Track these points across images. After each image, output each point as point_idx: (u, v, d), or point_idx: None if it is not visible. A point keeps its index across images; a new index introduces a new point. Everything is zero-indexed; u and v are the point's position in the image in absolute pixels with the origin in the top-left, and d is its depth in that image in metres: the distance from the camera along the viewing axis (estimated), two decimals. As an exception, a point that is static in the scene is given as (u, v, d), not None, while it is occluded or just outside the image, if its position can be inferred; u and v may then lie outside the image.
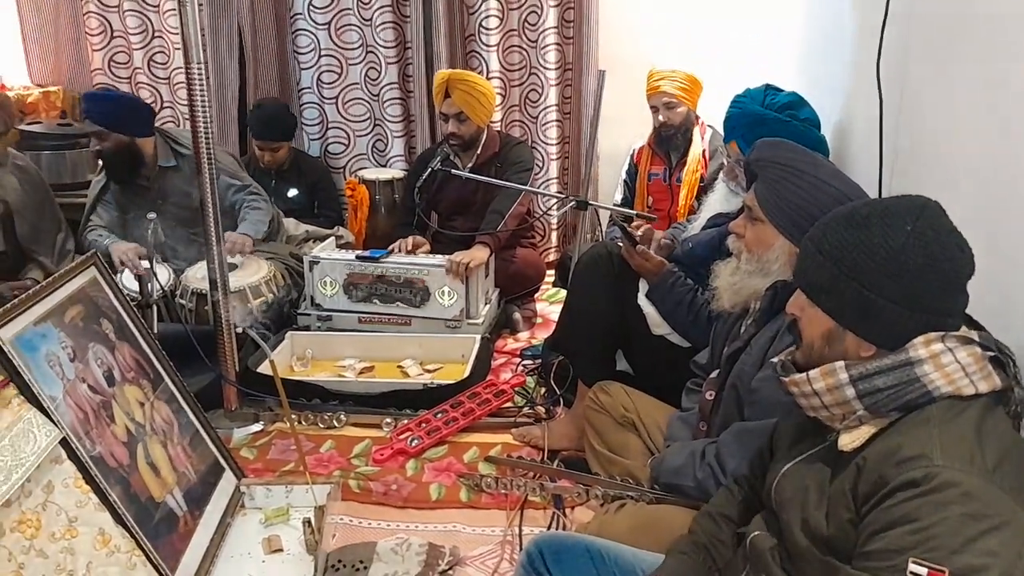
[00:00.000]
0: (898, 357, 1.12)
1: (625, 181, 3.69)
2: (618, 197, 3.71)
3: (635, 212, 3.13)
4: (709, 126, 3.49)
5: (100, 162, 3.27)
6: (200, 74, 2.25)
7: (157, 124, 3.33)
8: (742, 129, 2.36)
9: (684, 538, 1.49)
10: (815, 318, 1.21)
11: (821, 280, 1.19)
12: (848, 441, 1.15)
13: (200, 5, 3.79)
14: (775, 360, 1.33)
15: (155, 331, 2.54)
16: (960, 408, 1.08)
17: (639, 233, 2.39)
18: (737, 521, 1.46)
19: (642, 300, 2.34)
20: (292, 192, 3.89)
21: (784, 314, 1.45)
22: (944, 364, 1.10)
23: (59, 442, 1.55)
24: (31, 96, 3.92)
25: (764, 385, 1.64)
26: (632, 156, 3.66)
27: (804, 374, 1.20)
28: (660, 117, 3.40)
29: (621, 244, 2.32)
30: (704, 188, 3.35)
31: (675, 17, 3.88)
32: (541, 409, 2.65)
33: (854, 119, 2.36)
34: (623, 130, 3.85)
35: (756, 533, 1.33)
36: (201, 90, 2.27)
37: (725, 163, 2.59)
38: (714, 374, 1.89)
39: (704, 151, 3.44)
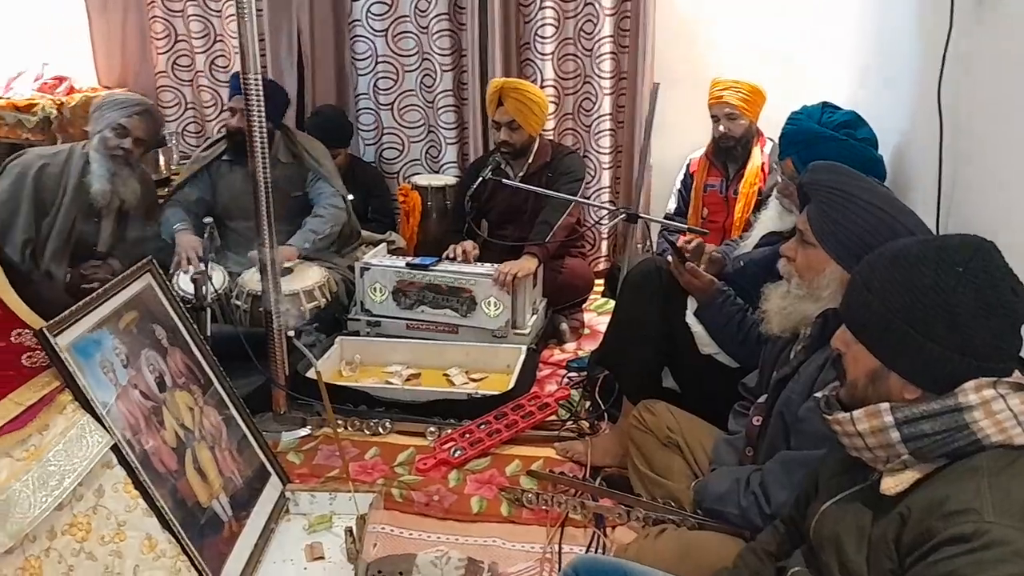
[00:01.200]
0: (946, 402, 1.09)
1: (679, 191, 3.65)
2: (671, 207, 3.67)
3: (686, 226, 3.09)
4: (769, 139, 3.43)
5: (214, 139, 3.40)
6: (257, 84, 2.30)
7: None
8: (797, 147, 2.31)
9: (726, 571, 1.47)
10: (860, 356, 1.18)
11: (867, 318, 1.16)
12: (892, 485, 1.12)
13: (259, 11, 3.91)
14: (819, 395, 1.31)
15: (208, 334, 2.61)
16: (1011, 458, 1.05)
17: (689, 247, 2.36)
18: (778, 555, 1.44)
19: (690, 318, 2.31)
20: (348, 198, 3.93)
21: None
22: (995, 411, 1.06)
23: (110, 447, 1.59)
24: (98, 98, 4.03)
25: (811, 415, 1.60)
26: (688, 166, 3.62)
27: (848, 414, 1.17)
28: (721, 128, 3.35)
29: (670, 259, 2.29)
30: (761, 202, 3.30)
31: (733, 27, 3.82)
32: (585, 423, 2.63)
33: (913, 142, 2.30)
34: (678, 139, 3.80)
35: (796, 569, 1.31)
36: (258, 100, 2.31)
37: (780, 180, 2.55)
38: (762, 399, 1.86)
39: (763, 164, 3.39)
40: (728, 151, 3.41)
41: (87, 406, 1.58)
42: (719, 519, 1.79)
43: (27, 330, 1.69)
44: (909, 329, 1.10)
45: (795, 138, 2.34)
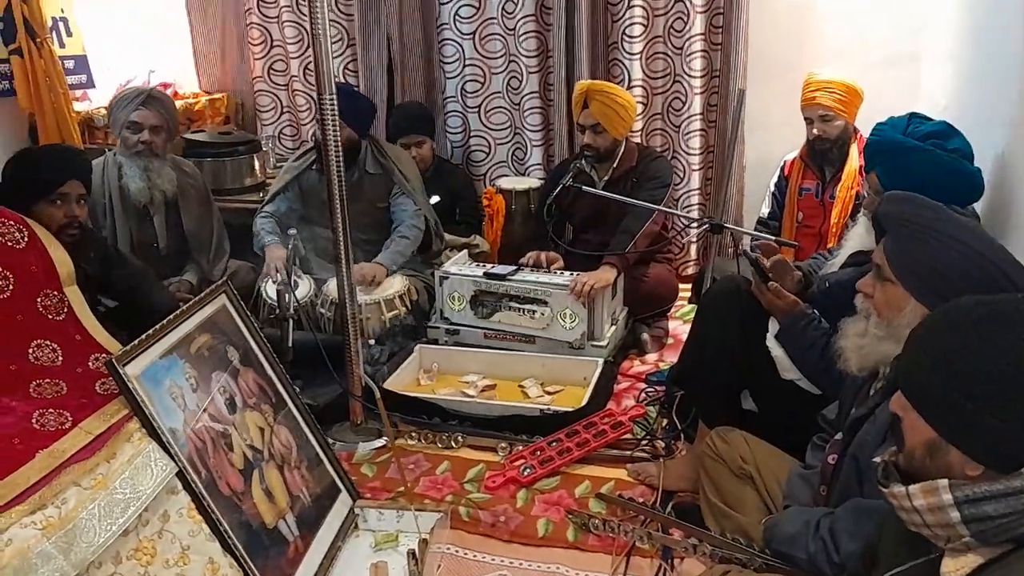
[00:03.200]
0: (1011, 483, 0.99)
1: (774, 194, 3.50)
2: (765, 210, 3.53)
3: (774, 238, 2.95)
4: (867, 138, 3.24)
5: (305, 149, 3.44)
6: (332, 106, 2.32)
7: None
8: (881, 158, 2.17)
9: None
10: (917, 425, 1.09)
11: (923, 385, 1.07)
12: (952, 568, 1.03)
13: (350, 16, 3.96)
14: (877, 459, 1.22)
15: (291, 344, 2.68)
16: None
17: (768, 263, 2.25)
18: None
19: (771, 341, 2.21)
20: (434, 199, 3.95)
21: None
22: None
23: (175, 474, 1.65)
24: (199, 104, 4.20)
25: None
26: (783, 168, 3.47)
27: (904, 489, 1.08)
28: (815, 130, 3.19)
29: (751, 278, 2.20)
30: (859, 206, 3.14)
31: (831, 22, 3.64)
32: (660, 444, 2.56)
33: (1018, 156, 2.11)
34: (773, 138, 3.67)
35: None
36: (333, 120, 2.34)
37: (866, 195, 2.40)
38: (838, 436, 1.76)
39: (861, 167, 3.21)
40: (823, 154, 3.25)
41: (154, 433, 1.63)
42: (787, 561, 1.71)
43: (103, 355, 1.77)
44: (967, 403, 1.01)
45: (879, 148, 2.20)
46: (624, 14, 3.69)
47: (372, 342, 3.03)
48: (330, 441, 2.38)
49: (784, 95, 3.54)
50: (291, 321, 2.76)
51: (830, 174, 3.29)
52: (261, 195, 3.71)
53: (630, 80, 3.76)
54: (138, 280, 2.51)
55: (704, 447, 2.14)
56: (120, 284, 2.42)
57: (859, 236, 2.33)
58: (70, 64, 3.90)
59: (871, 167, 2.20)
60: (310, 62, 4.21)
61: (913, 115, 2.18)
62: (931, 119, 2.16)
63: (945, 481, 1.04)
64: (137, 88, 3.23)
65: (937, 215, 1.52)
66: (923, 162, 2.04)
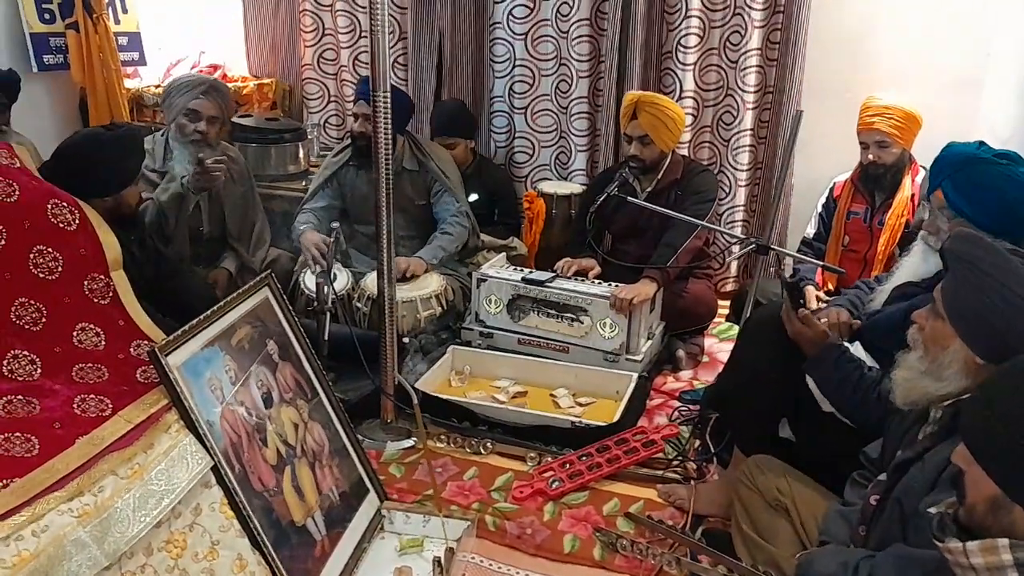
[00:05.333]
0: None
1: (820, 215, 3.43)
2: (810, 231, 3.46)
3: (821, 263, 2.90)
4: (923, 167, 3.17)
5: (342, 145, 3.44)
6: (386, 101, 2.31)
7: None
8: (951, 170, 2.12)
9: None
10: (980, 480, 1.06)
11: (987, 441, 1.04)
12: None
13: (404, 9, 3.95)
14: (932, 510, 1.18)
15: (327, 337, 2.67)
16: None
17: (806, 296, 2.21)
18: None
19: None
20: (473, 197, 3.93)
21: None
22: None
23: (209, 468, 1.64)
24: (247, 88, 4.21)
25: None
26: (832, 189, 3.40)
27: (961, 545, 1.05)
28: (870, 155, 3.12)
29: (783, 301, 2.15)
30: (908, 235, 3.07)
31: (894, 44, 3.56)
32: (692, 466, 2.53)
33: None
34: (824, 158, 3.59)
35: None
36: (386, 116, 2.33)
37: (926, 218, 2.34)
38: (882, 477, 1.72)
39: (914, 195, 3.14)
40: (876, 179, 3.18)
41: (191, 426, 1.63)
42: (820, 602, 1.66)
43: (145, 343, 1.77)
44: None
45: (950, 161, 2.15)
46: (680, 24, 3.64)
47: (406, 340, 3.02)
48: (359, 438, 2.37)
49: (837, 115, 3.48)
50: (328, 314, 2.75)
51: (880, 199, 3.22)
52: (304, 183, 3.71)
53: (681, 91, 3.71)
54: (175, 270, 2.51)
55: (739, 474, 2.10)
56: (156, 273, 2.42)
57: (911, 267, 2.28)
58: (123, 41, 3.93)
59: (936, 184, 2.15)
60: (360, 52, 4.21)
61: (981, 143, 2.13)
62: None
63: (1006, 541, 1.01)
64: (198, 76, 3.24)
65: (994, 259, 1.48)
66: (994, 176, 1.99)
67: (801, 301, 2.12)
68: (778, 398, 2.22)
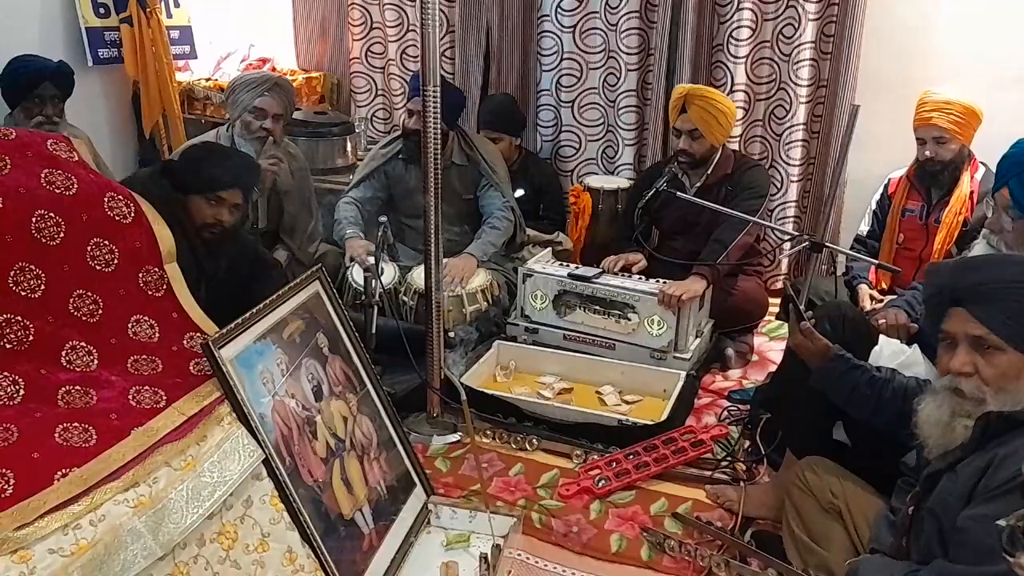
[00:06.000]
0: None
1: (875, 212, 3.35)
2: (863, 228, 3.38)
3: (876, 262, 2.83)
4: (982, 163, 3.08)
5: (392, 137, 3.47)
6: (436, 96, 2.30)
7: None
8: (1018, 168, 2.06)
9: None
10: None
11: None
12: None
13: (451, 3, 3.93)
14: (1001, 522, 1.13)
15: (375, 330, 2.68)
16: None
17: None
18: None
19: None
20: (519, 192, 3.91)
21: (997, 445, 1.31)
22: None
23: (261, 461, 1.65)
24: (295, 81, 4.24)
25: (973, 526, 1.41)
26: (887, 186, 3.31)
27: None
28: (927, 151, 3.03)
29: (790, 311, 2.10)
30: (965, 234, 2.99)
31: (953, 37, 3.45)
32: (742, 466, 2.48)
33: None
34: (878, 154, 3.50)
35: None
36: (435, 111, 2.32)
37: (989, 215, 2.27)
38: (917, 488, 1.67)
39: (973, 193, 3.04)
40: (933, 175, 3.09)
41: (243, 418, 1.64)
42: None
43: (198, 335, 1.79)
44: None
45: (1017, 159, 2.08)
46: (732, 16, 3.58)
47: (451, 334, 3.02)
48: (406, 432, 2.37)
49: (892, 110, 3.38)
50: (375, 308, 2.76)
51: (937, 197, 3.13)
52: (351, 177, 3.72)
53: (732, 84, 3.65)
54: (267, 273, 2.54)
55: (792, 477, 2.06)
56: (246, 270, 2.46)
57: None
58: (175, 34, 3.99)
59: (1003, 182, 2.09)
60: (408, 46, 4.22)
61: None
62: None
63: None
64: (263, 73, 3.29)
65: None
66: None
67: (807, 313, 2.06)
68: (832, 402, 2.16)
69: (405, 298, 3.08)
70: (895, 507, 1.79)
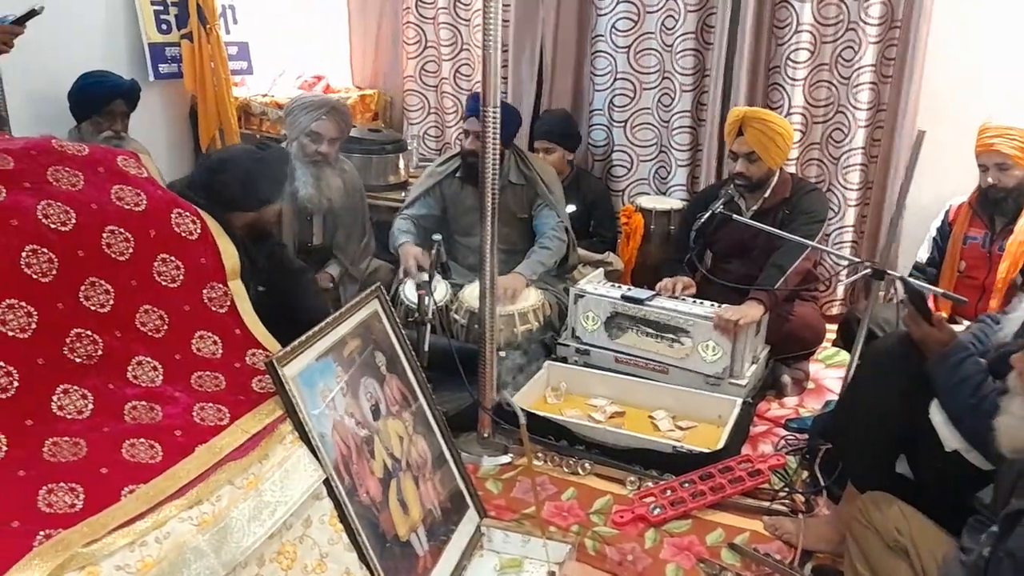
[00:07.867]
0: None
1: (935, 239, 3.27)
2: (923, 255, 3.30)
3: (941, 291, 2.75)
4: (1048, 191, 2.99)
5: (449, 155, 3.48)
6: (495, 117, 2.30)
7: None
8: None
9: None
10: None
11: None
12: None
13: (506, 23, 3.94)
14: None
15: (427, 348, 2.67)
16: None
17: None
18: None
19: (934, 411, 2.04)
20: (570, 208, 3.89)
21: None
22: None
23: (321, 481, 1.64)
24: (350, 98, 4.28)
25: None
26: (947, 213, 3.24)
27: None
28: (989, 178, 2.96)
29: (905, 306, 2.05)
30: (1033, 264, 2.91)
31: (1011, 64, 3.37)
32: (800, 498, 2.42)
33: None
34: (938, 181, 3.43)
35: None
36: (494, 131, 2.31)
37: None
38: (994, 528, 1.60)
39: None
40: (997, 203, 3.01)
41: (305, 437, 1.63)
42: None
43: (260, 352, 1.79)
44: None
45: None
46: (790, 39, 3.54)
47: (503, 354, 3.00)
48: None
49: (952, 136, 3.31)
50: (429, 325, 2.75)
51: (1000, 224, 3.05)
52: (403, 194, 3.74)
53: (790, 106, 3.60)
54: (297, 280, 2.54)
55: (854, 511, 2.00)
56: (280, 282, 2.46)
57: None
58: (233, 50, 4.05)
59: None
60: (461, 65, 4.23)
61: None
62: None
63: None
64: (321, 97, 3.32)
65: None
66: None
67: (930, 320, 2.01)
68: (897, 435, 2.10)
69: (456, 316, 3.08)
70: (966, 547, 1.73)
